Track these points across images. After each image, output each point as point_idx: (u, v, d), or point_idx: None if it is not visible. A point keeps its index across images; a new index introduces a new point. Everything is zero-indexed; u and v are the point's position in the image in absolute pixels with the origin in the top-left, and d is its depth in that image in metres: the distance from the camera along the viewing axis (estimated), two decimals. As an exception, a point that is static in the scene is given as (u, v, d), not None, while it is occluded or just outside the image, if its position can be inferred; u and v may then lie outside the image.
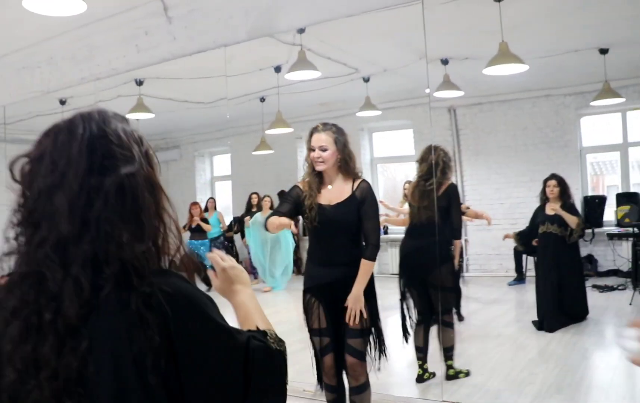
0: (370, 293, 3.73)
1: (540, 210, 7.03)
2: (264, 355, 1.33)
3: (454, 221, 5.11)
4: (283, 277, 9.96)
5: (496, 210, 9.78)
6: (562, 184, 6.89)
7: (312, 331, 3.84)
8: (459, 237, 5.21)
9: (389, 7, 5.04)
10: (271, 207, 9.86)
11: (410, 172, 8.74)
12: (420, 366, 5.28)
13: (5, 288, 1.18)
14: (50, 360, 1.09)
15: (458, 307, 6.78)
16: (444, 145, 9.84)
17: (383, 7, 5.06)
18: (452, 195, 5.10)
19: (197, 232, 9.98)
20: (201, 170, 13.36)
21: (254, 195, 11.30)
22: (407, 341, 5.18)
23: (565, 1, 5.96)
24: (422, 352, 5.26)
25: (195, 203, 10.12)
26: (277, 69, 7.89)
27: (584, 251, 8.76)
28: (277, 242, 9.85)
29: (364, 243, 3.75)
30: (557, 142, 9.59)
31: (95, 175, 1.16)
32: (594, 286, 8.55)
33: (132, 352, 1.10)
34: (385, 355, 3.90)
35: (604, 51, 7.39)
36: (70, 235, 1.13)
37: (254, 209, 10.35)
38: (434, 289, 5.04)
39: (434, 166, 5.11)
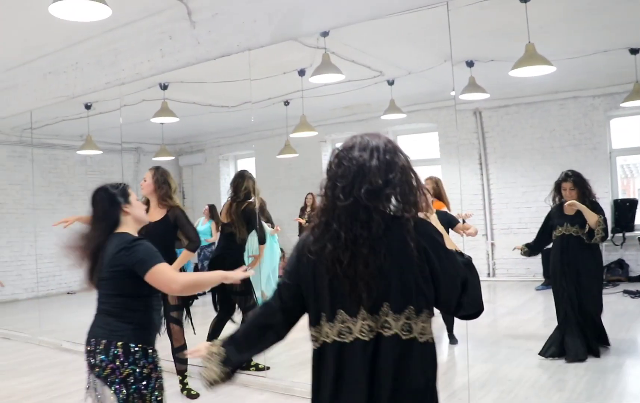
0: None
1: (557, 210, 6.12)
2: (475, 271, 2.11)
3: (257, 232, 6.37)
4: (267, 285, 9.76)
5: (523, 213, 9.67)
6: (579, 184, 5.95)
7: None
8: (262, 242, 6.57)
9: (413, 9, 4.99)
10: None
11: (436, 174, 8.68)
12: None
13: (326, 217, 2.04)
14: (367, 259, 1.95)
15: (450, 328, 6.67)
16: (469, 148, 9.79)
17: (407, 10, 5.01)
18: (249, 213, 6.18)
19: None
20: (225, 173, 13.38)
21: None
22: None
23: (594, 0, 5.85)
24: (212, 338, 5.92)
25: None
26: (301, 73, 7.86)
27: (614, 255, 8.61)
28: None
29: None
30: (586, 144, 9.44)
31: (389, 155, 2.05)
32: (625, 291, 8.38)
33: (406, 253, 1.95)
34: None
35: (634, 51, 7.26)
36: (378, 186, 1.99)
37: None
38: (231, 293, 6.08)
39: (244, 191, 6.22)
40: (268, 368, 6.04)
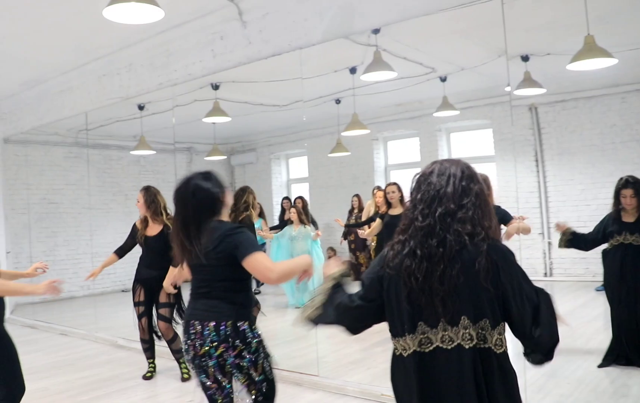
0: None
1: (615, 218, 5.72)
2: (549, 298, 2.22)
3: None
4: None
5: (582, 211, 9.37)
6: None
7: (135, 303, 6.23)
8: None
9: (466, 4, 4.87)
10: (301, 219, 9.56)
11: (490, 172, 8.50)
12: None
13: (405, 235, 2.29)
14: (442, 275, 2.15)
15: None
16: (524, 145, 9.56)
17: (460, 5, 4.89)
18: (246, 225, 6.74)
19: None
20: (277, 172, 13.43)
21: (286, 201, 11.03)
22: None
23: (658, -11, 5.61)
24: None
25: None
26: (353, 70, 7.81)
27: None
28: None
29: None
30: (650, 139, 9.09)
31: (465, 182, 2.26)
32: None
33: (476, 269, 2.11)
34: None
35: (702, 40, 6.93)
36: (452, 210, 2.21)
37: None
38: None
39: (244, 204, 6.94)
40: None
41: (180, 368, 6.24)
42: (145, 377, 6.30)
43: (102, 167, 12.36)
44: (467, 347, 2.14)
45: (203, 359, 3.13)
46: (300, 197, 10.49)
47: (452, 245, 2.16)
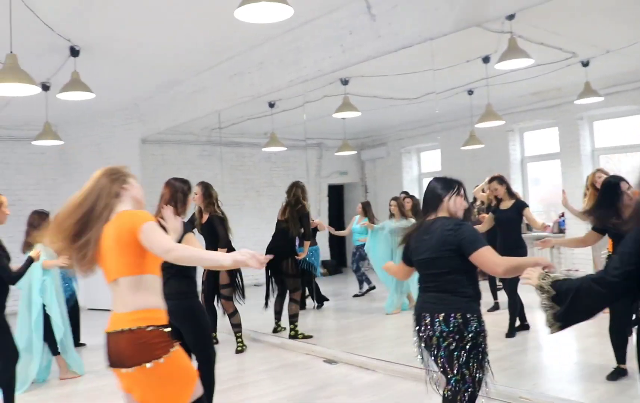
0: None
1: None
2: None
3: (305, 230, 7.77)
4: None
5: None
6: None
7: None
8: (308, 239, 7.96)
9: (612, -20, 4.52)
10: (402, 212, 9.04)
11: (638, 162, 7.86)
12: (276, 323, 8.02)
13: None
14: None
15: (516, 314, 7.07)
16: None
17: (606, -19, 4.54)
18: (302, 214, 7.67)
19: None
20: (408, 166, 13.27)
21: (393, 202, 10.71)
22: (266, 307, 7.98)
23: None
24: (279, 314, 8.01)
25: None
26: (486, 59, 7.54)
27: None
28: None
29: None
30: None
31: None
32: None
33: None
34: (243, 297, 7.28)
35: None
36: None
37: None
38: (284, 275, 7.72)
39: (293, 197, 7.71)
40: (311, 336, 7.59)
41: (237, 341, 7.24)
42: None
43: (235, 164, 12.77)
44: None
45: (433, 349, 3.29)
46: (406, 193, 10.19)
47: None
